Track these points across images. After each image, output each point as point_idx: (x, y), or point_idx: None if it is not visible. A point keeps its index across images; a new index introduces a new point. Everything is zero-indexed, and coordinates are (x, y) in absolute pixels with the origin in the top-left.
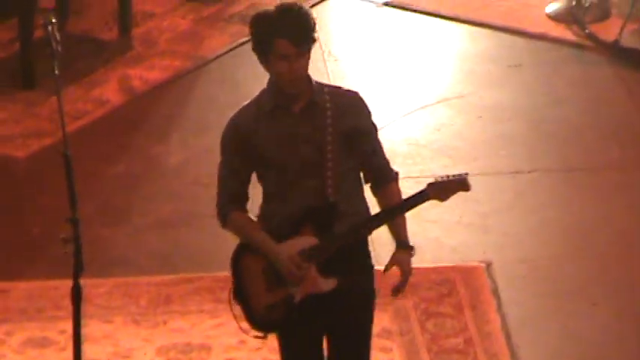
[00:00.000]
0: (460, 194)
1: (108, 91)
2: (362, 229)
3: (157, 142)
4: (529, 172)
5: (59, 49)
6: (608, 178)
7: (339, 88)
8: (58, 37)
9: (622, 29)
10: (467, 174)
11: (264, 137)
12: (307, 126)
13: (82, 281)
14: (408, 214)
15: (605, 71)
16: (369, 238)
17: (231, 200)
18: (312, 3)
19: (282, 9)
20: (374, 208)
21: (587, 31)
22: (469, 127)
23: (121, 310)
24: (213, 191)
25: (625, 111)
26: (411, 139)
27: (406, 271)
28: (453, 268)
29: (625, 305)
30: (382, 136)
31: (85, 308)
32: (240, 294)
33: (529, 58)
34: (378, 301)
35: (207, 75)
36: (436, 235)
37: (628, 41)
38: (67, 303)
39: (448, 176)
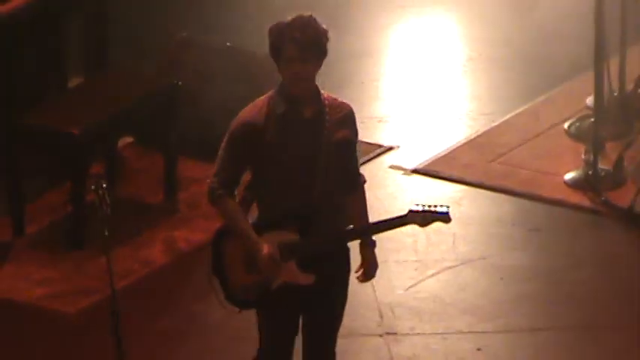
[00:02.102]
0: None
1: (154, 251)
2: (339, 240)
3: (199, 299)
4: (547, 329)
5: (109, 212)
6: (624, 336)
7: (335, 99)
8: (108, 200)
9: (636, 196)
10: (449, 207)
11: (272, 138)
12: (311, 133)
13: None
14: None
15: (620, 236)
16: None
17: (225, 184)
18: None
19: (294, 18)
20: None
21: (603, 198)
22: (492, 287)
23: None
24: (254, 345)
25: (639, 273)
26: (437, 298)
27: (372, 265)
28: None
29: None
30: (410, 294)
31: None
32: (219, 270)
33: (548, 222)
34: None
35: None
36: None
37: None
38: None
39: (431, 206)
